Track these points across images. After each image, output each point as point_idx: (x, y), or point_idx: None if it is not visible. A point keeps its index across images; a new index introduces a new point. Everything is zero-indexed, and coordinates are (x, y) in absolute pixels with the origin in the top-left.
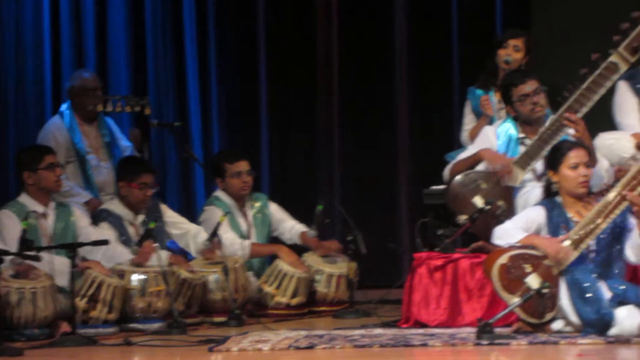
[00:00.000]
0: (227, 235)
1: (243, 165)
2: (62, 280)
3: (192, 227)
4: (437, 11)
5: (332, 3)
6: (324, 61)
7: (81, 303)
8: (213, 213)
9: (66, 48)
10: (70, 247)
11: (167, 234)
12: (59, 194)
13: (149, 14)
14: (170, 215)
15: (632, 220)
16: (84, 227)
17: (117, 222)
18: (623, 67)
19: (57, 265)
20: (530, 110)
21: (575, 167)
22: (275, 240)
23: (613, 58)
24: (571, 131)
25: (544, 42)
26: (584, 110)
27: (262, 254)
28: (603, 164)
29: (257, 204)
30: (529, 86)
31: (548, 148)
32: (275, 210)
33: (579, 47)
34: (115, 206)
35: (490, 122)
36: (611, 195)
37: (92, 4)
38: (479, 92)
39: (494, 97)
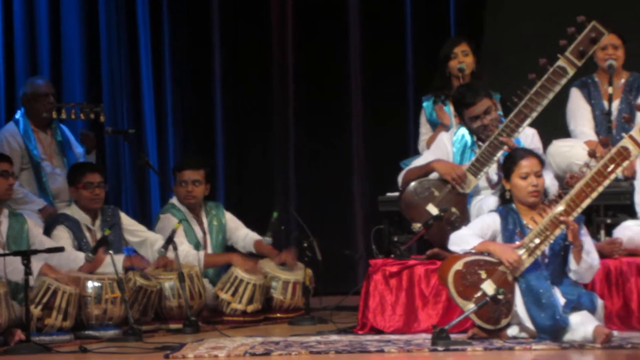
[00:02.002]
0: (182, 247)
1: (189, 175)
2: (17, 276)
3: (150, 235)
4: (391, 19)
5: (286, 11)
6: (278, 69)
7: (36, 310)
8: (168, 221)
9: (20, 55)
10: (24, 254)
11: (125, 241)
12: (14, 201)
13: (103, 21)
14: (128, 223)
15: (582, 231)
16: (37, 236)
17: (73, 227)
18: (571, 72)
19: (10, 270)
20: (482, 130)
21: (525, 177)
22: (229, 248)
23: (561, 62)
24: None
25: (496, 49)
26: (534, 115)
27: (216, 264)
28: (546, 180)
29: (213, 212)
30: (479, 107)
31: (498, 154)
32: (230, 219)
33: (529, 52)
34: (73, 211)
35: (447, 129)
36: (563, 204)
37: (46, 11)
38: (434, 103)
39: (450, 107)
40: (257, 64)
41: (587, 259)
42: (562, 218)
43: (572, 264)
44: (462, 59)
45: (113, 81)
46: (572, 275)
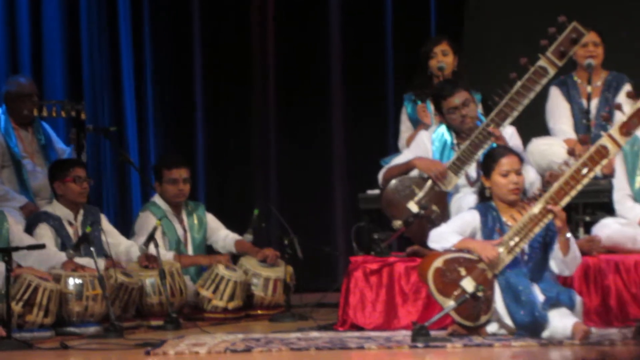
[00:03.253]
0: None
1: (179, 173)
2: None
3: (124, 240)
4: (372, 20)
5: (267, 12)
6: (259, 67)
7: (17, 307)
8: (147, 219)
9: (1, 53)
10: (5, 252)
11: (103, 242)
12: None
13: (84, 19)
14: (106, 225)
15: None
16: (17, 234)
17: (56, 224)
18: (551, 71)
19: None
20: (460, 122)
21: (505, 174)
22: (209, 248)
23: (541, 62)
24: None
25: (476, 49)
26: (515, 114)
27: (185, 265)
28: (529, 176)
29: (193, 211)
30: (457, 98)
31: (479, 153)
32: (211, 219)
33: (510, 52)
34: (54, 208)
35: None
36: (542, 202)
37: (27, 10)
38: (414, 101)
39: (431, 106)
40: (237, 63)
41: (573, 248)
42: (549, 207)
43: (559, 254)
44: (442, 59)
45: (94, 79)
46: (556, 267)
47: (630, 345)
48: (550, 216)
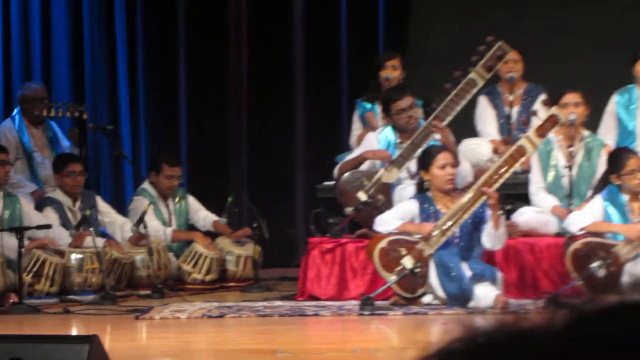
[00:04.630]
0: (153, 223)
1: (177, 171)
2: (12, 254)
3: (119, 217)
4: (329, 34)
5: (242, 18)
6: (234, 75)
7: (27, 278)
8: (140, 202)
9: (16, 61)
10: (17, 230)
11: (100, 221)
12: (10, 185)
13: (87, 33)
14: (102, 206)
15: (489, 213)
16: (28, 213)
17: (58, 208)
18: (480, 83)
19: (6, 243)
20: (405, 123)
21: (443, 167)
22: (191, 227)
23: (472, 75)
24: (437, 136)
25: (418, 62)
26: (449, 118)
27: (181, 239)
28: (465, 166)
29: (177, 197)
30: (404, 102)
31: (419, 151)
32: (192, 201)
33: (447, 65)
34: (57, 194)
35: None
36: (471, 192)
37: (38, 24)
38: (365, 104)
39: (378, 109)
40: (215, 71)
41: (503, 224)
42: (483, 189)
43: (492, 230)
44: (390, 72)
45: (95, 84)
46: (489, 242)
47: (541, 313)
48: (479, 202)
